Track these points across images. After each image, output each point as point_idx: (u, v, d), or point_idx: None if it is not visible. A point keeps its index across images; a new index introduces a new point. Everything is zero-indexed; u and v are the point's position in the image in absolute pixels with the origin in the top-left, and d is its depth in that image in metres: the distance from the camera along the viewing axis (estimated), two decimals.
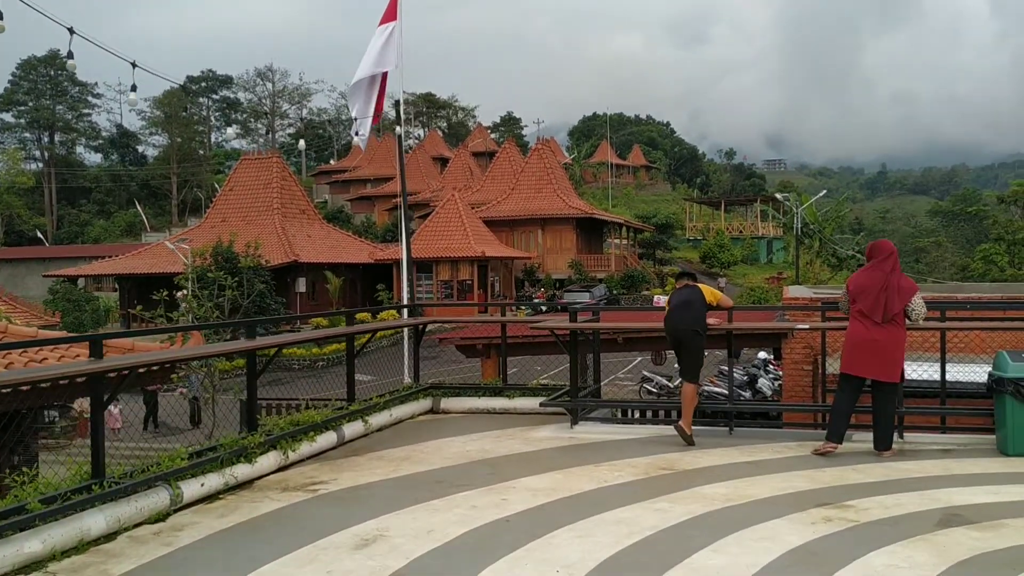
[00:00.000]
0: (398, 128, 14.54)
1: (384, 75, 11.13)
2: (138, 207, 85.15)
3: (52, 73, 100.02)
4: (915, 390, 9.22)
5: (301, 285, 44.16)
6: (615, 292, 47.14)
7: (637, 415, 10.33)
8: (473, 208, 50.71)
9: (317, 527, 5.52)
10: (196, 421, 23.07)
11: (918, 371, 9.96)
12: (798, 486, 6.38)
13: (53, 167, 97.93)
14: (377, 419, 8.67)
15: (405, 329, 11.90)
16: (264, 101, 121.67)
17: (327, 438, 7.75)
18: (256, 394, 7.33)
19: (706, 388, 22.88)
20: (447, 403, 9.89)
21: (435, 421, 9.41)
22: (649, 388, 24.64)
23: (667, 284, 50.40)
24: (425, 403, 9.79)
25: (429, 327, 10.80)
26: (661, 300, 38.47)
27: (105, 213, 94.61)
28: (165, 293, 18.73)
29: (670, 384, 24.52)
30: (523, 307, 45.97)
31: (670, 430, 8.45)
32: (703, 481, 6.51)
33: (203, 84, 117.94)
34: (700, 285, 8.25)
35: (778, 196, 51.85)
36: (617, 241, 57.83)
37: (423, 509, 5.92)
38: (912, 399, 8.92)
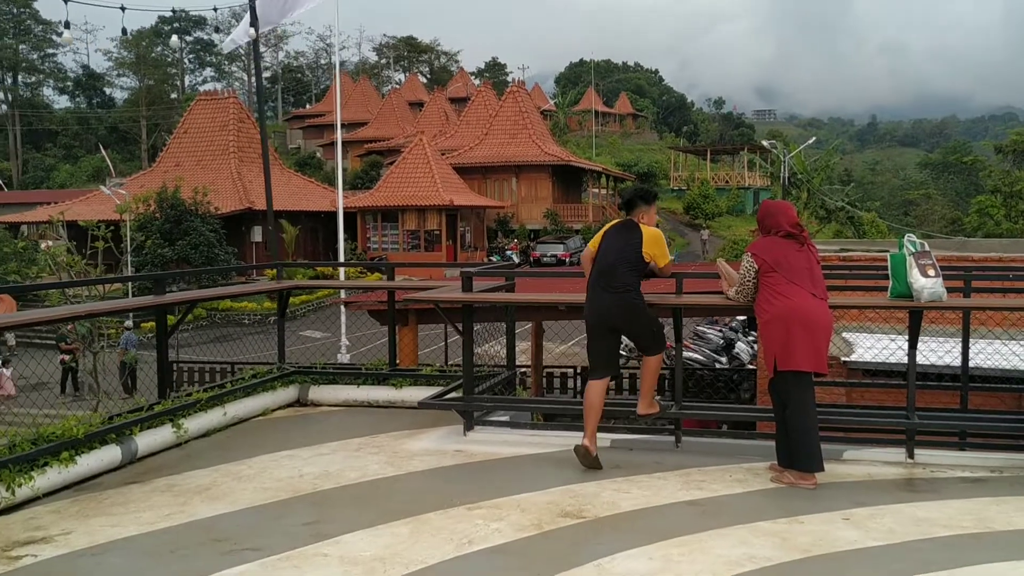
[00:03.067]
0: (251, 30, 12.18)
1: None
2: (103, 152, 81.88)
3: (15, 11, 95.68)
4: (926, 383, 7.03)
5: (257, 234, 41.58)
6: None
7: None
8: (444, 154, 47.99)
9: None
10: (131, 388, 20.79)
11: (927, 355, 7.77)
12: (761, 554, 4.15)
13: (17, 109, 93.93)
14: (200, 422, 6.38)
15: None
16: (241, 44, 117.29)
17: (103, 456, 5.45)
18: None
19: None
20: (318, 392, 7.61)
21: (293, 419, 7.14)
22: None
23: None
24: (287, 393, 7.51)
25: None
26: None
27: (72, 158, 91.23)
28: (20, 244, 16.24)
29: None
30: (494, 259, 43.91)
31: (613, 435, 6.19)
32: (619, 544, 4.27)
33: (175, 24, 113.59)
34: (644, 227, 5.63)
35: (765, 143, 49.26)
36: (596, 191, 55.25)
37: None
38: (924, 392, 6.73)
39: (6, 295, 15.59)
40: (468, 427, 6.37)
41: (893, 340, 8.18)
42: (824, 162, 50.26)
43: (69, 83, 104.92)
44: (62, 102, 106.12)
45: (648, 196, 5.82)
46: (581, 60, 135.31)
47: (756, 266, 5.37)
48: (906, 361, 5.93)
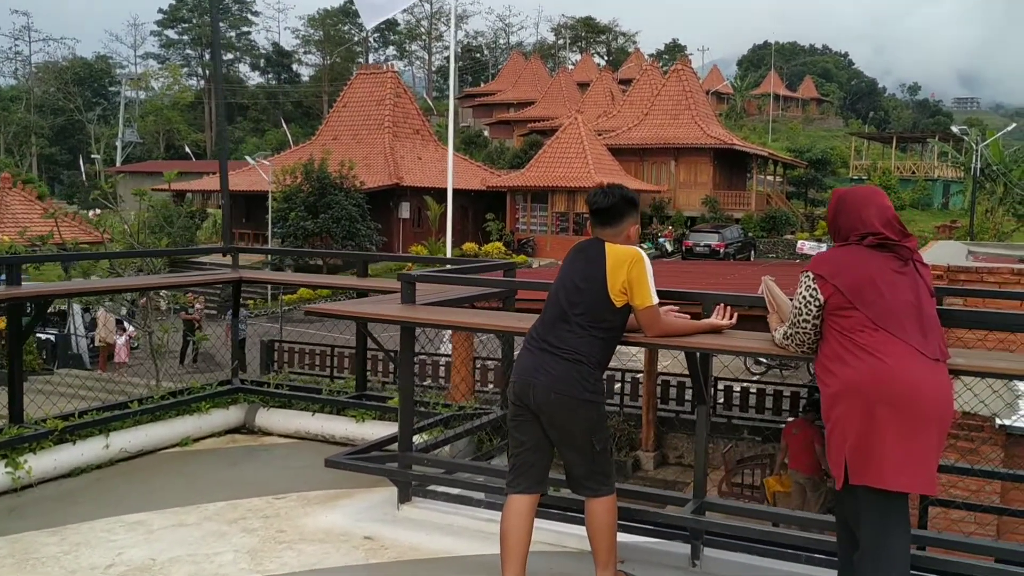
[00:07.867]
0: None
1: None
2: (284, 126, 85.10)
3: None
4: None
5: (404, 210, 41.00)
6: (751, 235, 41.36)
7: None
8: (602, 135, 45.75)
9: None
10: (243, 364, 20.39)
11: None
12: None
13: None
14: (62, 456, 4.80)
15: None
16: (421, 23, 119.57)
17: None
18: None
19: None
20: (268, 418, 5.91)
21: (209, 456, 5.45)
22: (760, 359, 19.88)
23: (816, 227, 44.22)
24: (228, 416, 5.86)
25: None
26: (806, 246, 32.06)
27: (259, 131, 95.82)
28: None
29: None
30: (645, 245, 41.42)
31: (580, 529, 4.12)
32: None
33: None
34: (612, 246, 3.40)
35: (955, 130, 43.92)
36: (764, 177, 51.31)
37: None
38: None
39: None
40: (403, 498, 4.46)
41: None
42: None
43: (261, 60, 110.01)
44: (254, 78, 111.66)
45: (634, 201, 3.53)
46: (765, 42, 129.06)
47: (821, 296, 3.07)
48: None
